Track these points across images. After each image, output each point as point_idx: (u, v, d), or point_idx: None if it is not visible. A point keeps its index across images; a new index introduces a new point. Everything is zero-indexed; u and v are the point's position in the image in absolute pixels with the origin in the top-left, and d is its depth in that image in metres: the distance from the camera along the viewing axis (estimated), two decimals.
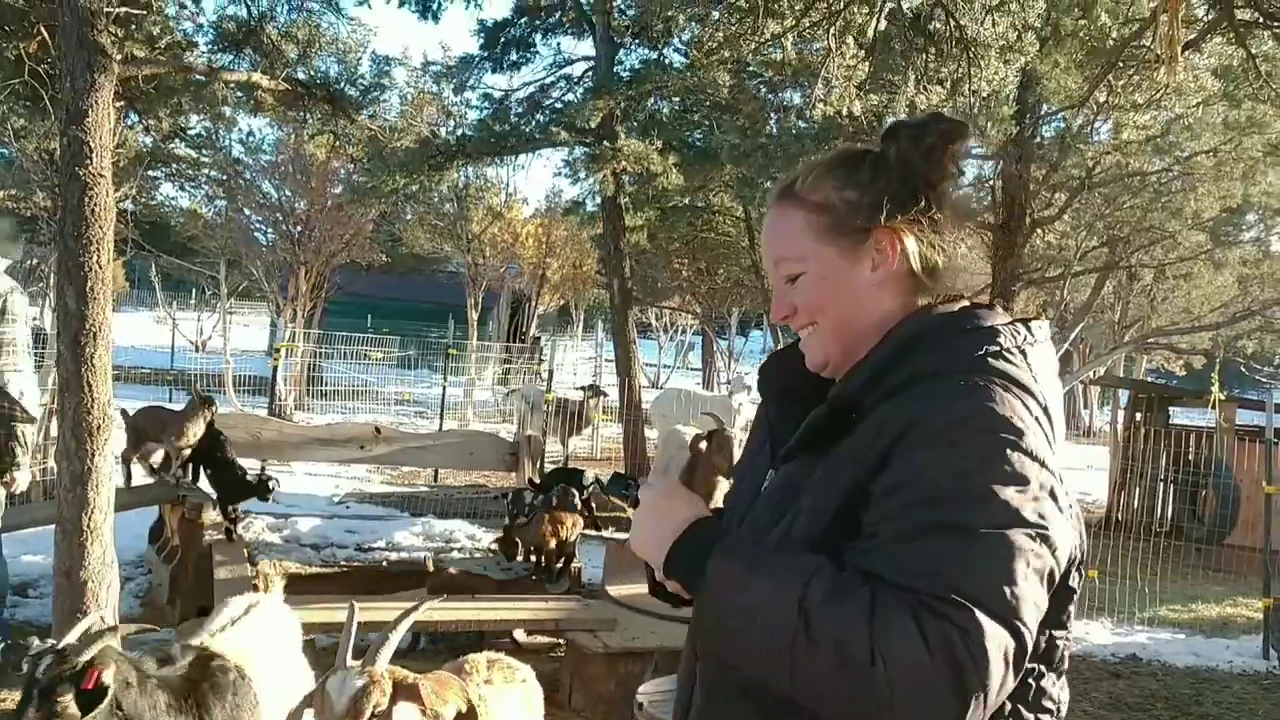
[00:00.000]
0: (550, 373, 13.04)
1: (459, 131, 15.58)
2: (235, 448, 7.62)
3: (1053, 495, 1.34)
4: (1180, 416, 14.89)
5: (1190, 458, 12.65)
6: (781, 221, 1.54)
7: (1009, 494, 1.29)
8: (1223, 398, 12.65)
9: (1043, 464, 1.34)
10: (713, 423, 7.47)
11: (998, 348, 1.43)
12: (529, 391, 14.43)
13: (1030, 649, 1.29)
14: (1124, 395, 14.37)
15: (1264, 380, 22.95)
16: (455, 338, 18.38)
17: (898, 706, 1.23)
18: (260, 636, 3.67)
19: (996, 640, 1.24)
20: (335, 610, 5.71)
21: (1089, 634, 7.98)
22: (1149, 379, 23.77)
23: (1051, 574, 1.32)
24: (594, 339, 27.82)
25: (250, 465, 8.22)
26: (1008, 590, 1.26)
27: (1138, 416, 13.35)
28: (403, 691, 2.61)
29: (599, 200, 15.06)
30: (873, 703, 1.24)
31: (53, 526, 4.30)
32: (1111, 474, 13.59)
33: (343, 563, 7.91)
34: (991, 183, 12.05)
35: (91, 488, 4.02)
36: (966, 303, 1.54)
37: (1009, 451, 1.32)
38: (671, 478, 1.52)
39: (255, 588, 5.98)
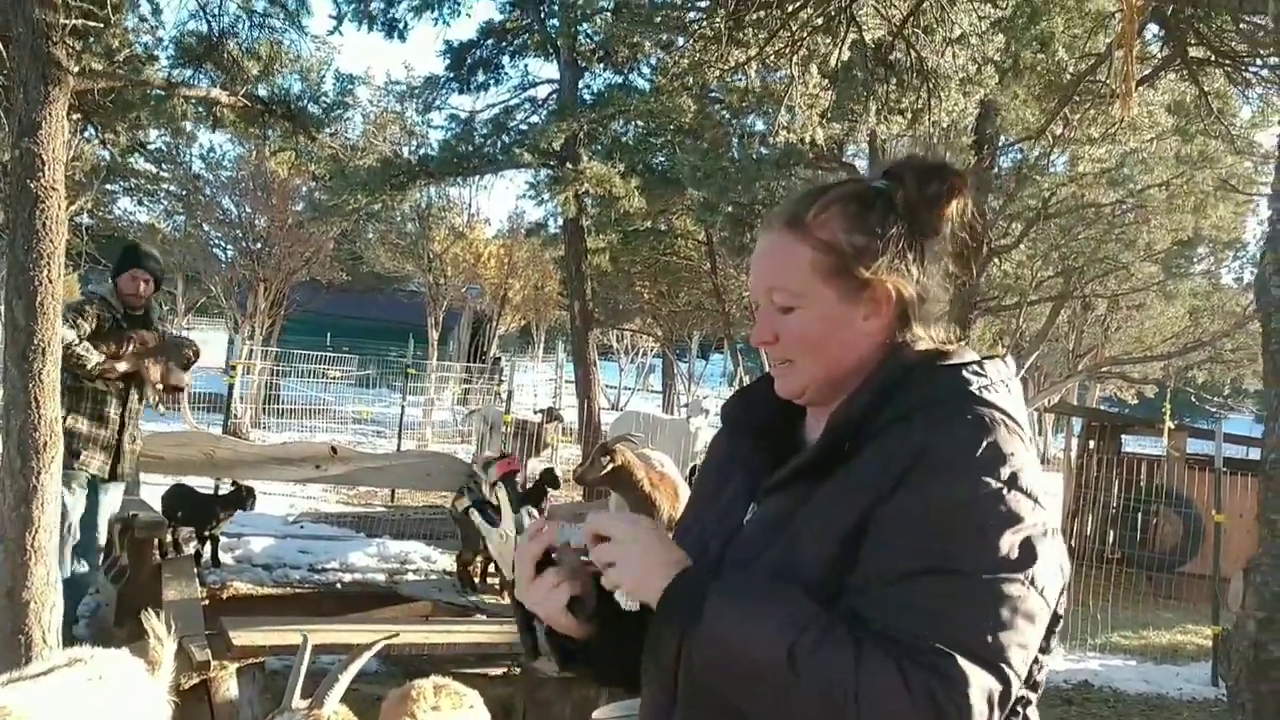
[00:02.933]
0: (509, 394, 12.99)
1: (422, 151, 15.57)
2: (190, 467, 7.54)
3: (1046, 531, 1.34)
4: (1132, 444, 15.10)
5: (1141, 485, 12.80)
6: (784, 251, 1.51)
7: (1002, 537, 1.30)
8: (1173, 426, 12.84)
9: (1037, 500, 1.35)
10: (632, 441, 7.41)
11: (989, 381, 1.45)
12: (488, 412, 14.36)
13: (1015, 690, 1.29)
14: (1078, 423, 14.53)
15: (1214, 410, 23.32)
16: (415, 357, 18.26)
17: None
18: (48, 706, 2.84)
19: (980, 687, 1.25)
20: (285, 633, 5.64)
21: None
22: (1102, 407, 24.07)
23: (1041, 613, 1.32)
24: (555, 360, 27.77)
25: (204, 484, 8.13)
26: (992, 636, 1.27)
27: (1091, 444, 13.49)
28: None
29: (561, 222, 15.10)
30: None
31: None
32: (1065, 501, 13.73)
33: (295, 583, 7.81)
34: None
35: (37, 506, 3.94)
36: (935, 341, 1.53)
37: (1006, 491, 1.33)
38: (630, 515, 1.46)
39: (205, 609, 5.90)
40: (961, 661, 1.25)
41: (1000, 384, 1.46)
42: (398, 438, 15.55)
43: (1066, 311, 16.59)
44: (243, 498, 7.50)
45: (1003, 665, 1.27)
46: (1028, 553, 1.31)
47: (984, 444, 1.36)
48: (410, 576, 8.47)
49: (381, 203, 14.53)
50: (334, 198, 14.28)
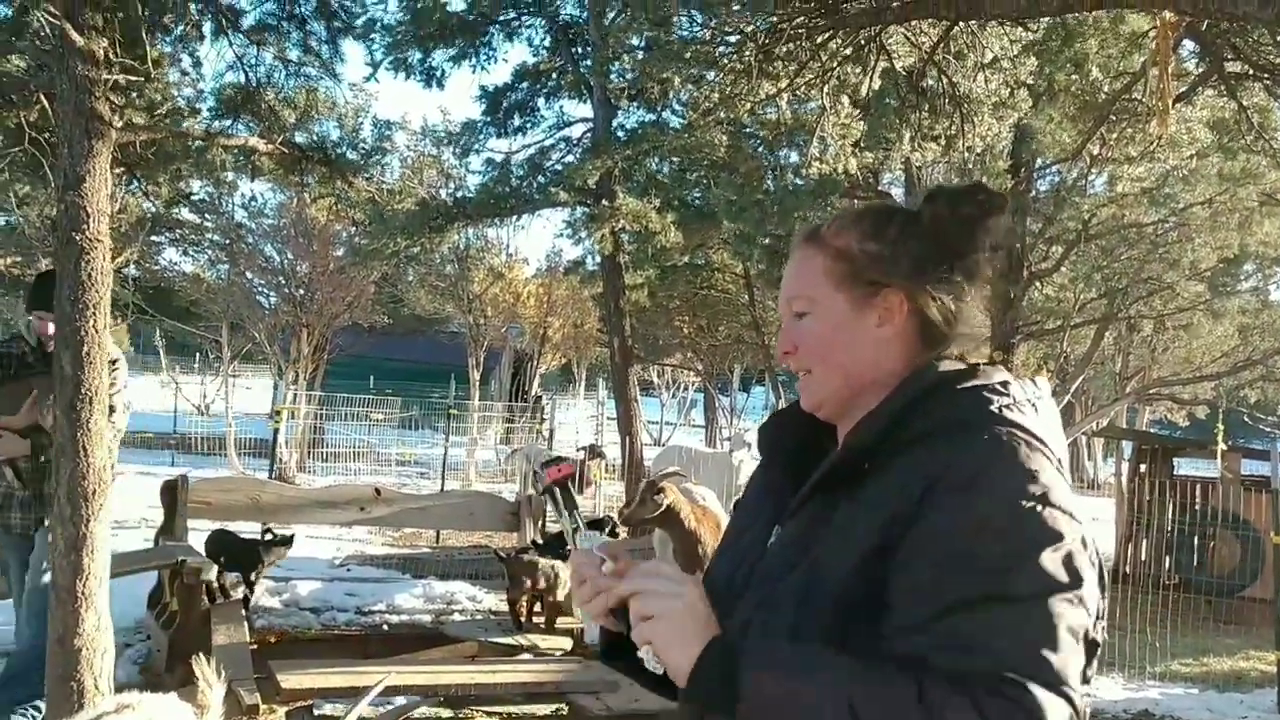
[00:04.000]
0: (551, 432, 13.02)
1: (459, 194, 15.74)
2: (236, 511, 7.60)
3: (1084, 544, 1.33)
4: (1185, 467, 14.82)
5: (1196, 508, 12.55)
6: (802, 262, 1.55)
7: (1045, 556, 1.29)
8: (1226, 447, 12.60)
9: (1071, 515, 1.33)
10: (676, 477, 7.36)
11: (1011, 400, 1.44)
12: (531, 451, 14.39)
13: (1081, 715, 1.28)
14: (1128, 447, 14.31)
15: (1268, 430, 22.88)
16: (457, 397, 18.36)
17: None
18: None
19: (1056, 714, 1.24)
20: (332, 675, 5.66)
21: (1099, 690, 7.85)
22: (1152, 430, 23.70)
23: (1087, 633, 1.31)
24: (596, 397, 27.80)
25: (250, 529, 8.19)
26: (1055, 659, 1.26)
27: (1142, 468, 13.27)
28: None
29: (599, 259, 15.16)
30: None
31: None
32: (1118, 527, 13.49)
33: (342, 626, 7.83)
34: None
35: (86, 553, 3.99)
36: (967, 363, 1.52)
37: (1040, 509, 1.32)
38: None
39: (253, 653, 5.93)
40: (1035, 689, 1.24)
41: (1025, 403, 1.45)
42: (441, 478, 15.60)
43: (1111, 333, 16.41)
44: (287, 539, 7.53)
45: (1068, 690, 1.26)
46: (1074, 570, 1.30)
47: (1007, 462, 1.35)
48: (456, 617, 8.46)
49: (420, 245, 14.66)
50: (374, 242, 14.43)
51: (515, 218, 15.57)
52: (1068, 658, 1.26)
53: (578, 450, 15.41)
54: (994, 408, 1.42)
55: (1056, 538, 1.30)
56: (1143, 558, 12.65)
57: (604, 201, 13.02)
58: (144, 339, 34.32)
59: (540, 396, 26.31)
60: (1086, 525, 1.35)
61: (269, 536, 7.45)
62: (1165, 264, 12.94)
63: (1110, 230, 12.32)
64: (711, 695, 1.35)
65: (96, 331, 4.06)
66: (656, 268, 15.76)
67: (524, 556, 6.79)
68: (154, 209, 13.58)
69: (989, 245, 1.50)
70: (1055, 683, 1.25)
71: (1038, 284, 12.43)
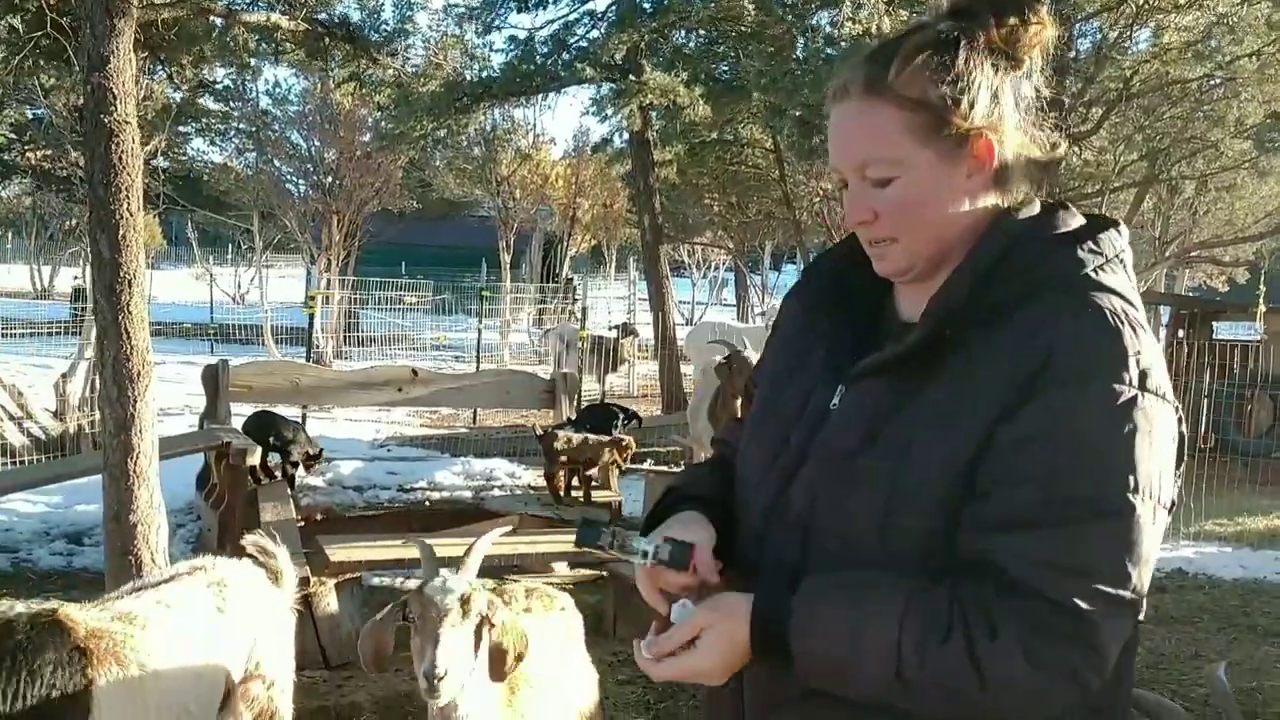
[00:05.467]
0: (584, 311, 13.04)
1: (484, 74, 15.49)
2: (276, 394, 7.72)
3: (1177, 432, 1.29)
4: (1224, 331, 14.67)
5: (1235, 371, 12.47)
6: (870, 118, 1.37)
7: (1139, 458, 1.24)
8: (1266, 309, 12.44)
9: (1165, 398, 1.28)
10: (726, 349, 7.40)
11: (1103, 258, 1.35)
12: (564, 331, 14.45)
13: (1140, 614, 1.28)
14: (1165, 312, 14.17)
15: None
16: (489, 281, 18.39)
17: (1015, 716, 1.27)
18: (171, 609, 2.97)
19: (1117, 634, 1.24)
20: (379, 549, 5.81)
21: None
22: (1191, 295, 23.42)
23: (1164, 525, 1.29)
24: (627, 277, 27.75)
25: (292, 412, 8.33)
26: (1134, 571, 1.24)
27: (1180, 333, 13.16)
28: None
29: (627, 137, 14.94)
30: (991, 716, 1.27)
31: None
32: None
33: (385, 503, 8.01)
34: None
35: (135, 433, 4.07)
36: (1039, 204, 1.42)
37: (1141, 398, 1.26)
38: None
39: (301, 530, 6.08)
40: (1104, 624, 1.23)
41: (1115, 260, 1.37)
42: (475, 361, 15.73)
43: (1151, 197, 16.09)
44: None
45: (1137, 601, 1.25)
46: (1162, 469, 1.27)
47: (1114, 351, 1.27)
48: (496, 492, 8.63)
49: (447, 128, 14.52)
50: (399, 125, 14.29)
51: (541, 96, 15.35)
52: (1145, 567, 1.24)
53: (611, 329, 15.47)
54: (1089, 270, 1.33)
55: (1149, 434, 1.25)
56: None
57: (631, 77, 12.78)
58: (176, 231, 34.48)
59: (572, 278, 26.31)
60: (1173, 405, 1.30)
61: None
62: (1209, 122, 12.55)
63: (1153, 89, 11.94)
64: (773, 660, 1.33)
65: (131, 214, 4.07)
66: (685, 144, 15.48)
67: (559, 432, 6.86)
68: (179, 96, 13.49)
69: (1040, 56, 1.39)
70: (1127, 594, 1.24)
71: (1076, 148, 12.13)
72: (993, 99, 1.36)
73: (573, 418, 8.23)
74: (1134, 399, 1.25)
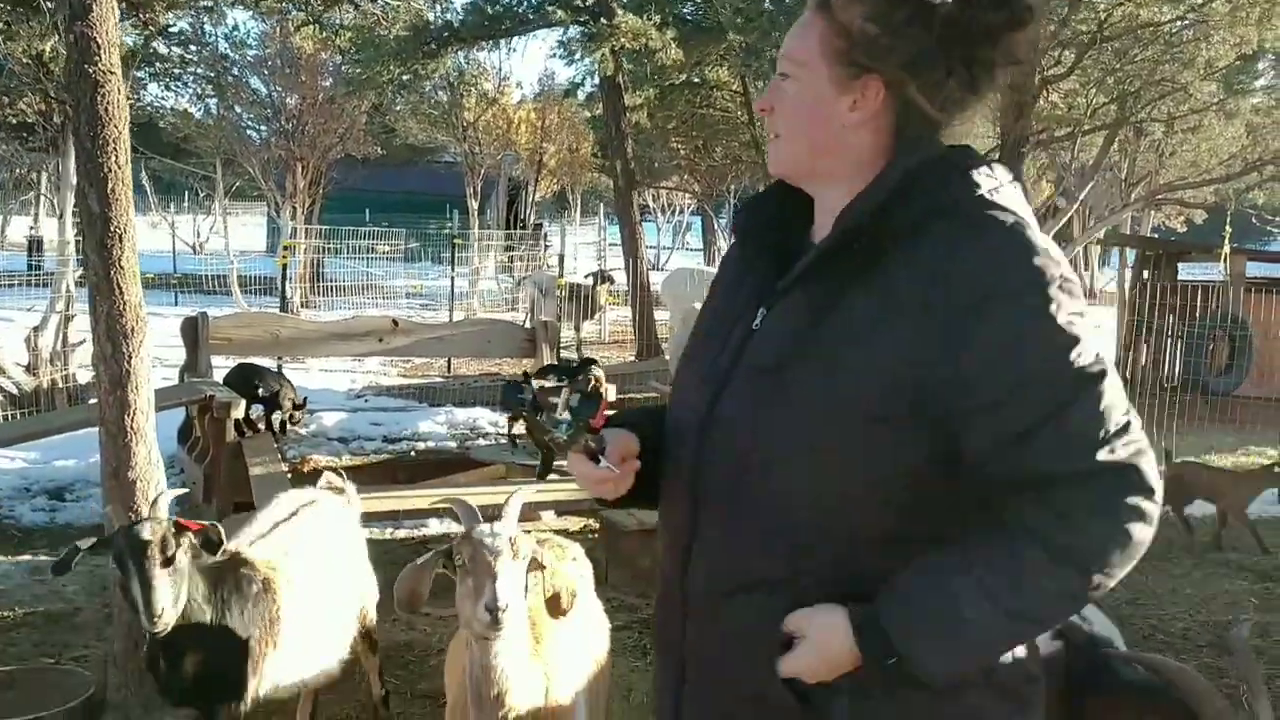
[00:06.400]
0: (560, 259, 12.99)
1: (449, 16, 15.23)
2: (256, 347, 7.66)
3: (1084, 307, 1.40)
4: (1186, 272, 14.84)
5: (1198, 313, 12.65)
6: (804, 25, 1.50)
7: (1083, 335, 1.35)
8: (1231, 250, 12.61)
9: (1074, 280, 1.39)
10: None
11: (997, 181, 1.45)
12: (540, 279, 14.39)
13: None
14: (1131, 254, 14.30)
15: (1276, 231, 22.78)
16: (457, 228, 18.23)
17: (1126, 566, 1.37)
18: (305, 541, 3.64)
19: (1150, 461, 1.34)
20: (370, 500, 5.80)
21: None
22: (1154, 236, 23.65)
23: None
24: (594, 223, 27.62)
25: (268, 363, 8.26)
26: (1124, 419, 1.34)
27: (1145, 274, 13.31)
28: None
29: (597, 81, 14.80)
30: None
31: (82, 431, 4.32)
32: (1119, 333, 13.62)
33: (371, 454, 8.00)
34: None
35: (131, 390, 4.02)
36: (941, 147, 1.51)
37: (1065, 291, 1.36)
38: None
39: (290, 481, 6.06)
40: (1135, 458, 1.33)
41: (1008, 184, 1.47)
42: (450, 310, 15.64)
43: (1119, 139, 16.17)
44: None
45: (1140, 429, 1.35)
46: (1100, 340, 1.38)
47: (1027, 257, 1.37)
48: (481, 442, 8.63)
49: (413, 72, 14.31)
50: (365, 70, 14.06)
51: (509, 40, 15.14)
52: (1125, 406, 1.35)
53: (586, 277, 15.41)
54: (984, 191, 1.43)
55: (1084, 316, 1.37)
56: (1144, 362, 12.82)
57: (602, 20, 12.62)
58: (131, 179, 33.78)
59: (541, 224, 26.15)
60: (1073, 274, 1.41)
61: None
62: (1180, 64, 12.61)
63: (1125, 31, 11.97)
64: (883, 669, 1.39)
65: (119, 167, 3.99)
66: (656, 87, 15.37)
67: (526, 383, 6.84)
68: (132, 41, 13.17)
69: (1003, 59, 1.45)
70: (1128, 434, 1.34)
71: (1046, 90, 12.15)
72: (908, 62, 1.44)
73: (554, 364, 8.21)
74: (1060, 291, 1.35)
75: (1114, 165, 18.37)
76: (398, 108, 24.65)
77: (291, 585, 3.39)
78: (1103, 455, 1.32)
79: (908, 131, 1.47)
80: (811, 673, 1.42)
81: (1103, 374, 1.34)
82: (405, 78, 15.11)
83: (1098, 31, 11.43)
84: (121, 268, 4.00)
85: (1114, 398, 1.34)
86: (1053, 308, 1.34)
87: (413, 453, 8.21)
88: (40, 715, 3.86)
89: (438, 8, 18.27)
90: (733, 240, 1.73)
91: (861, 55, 1.43)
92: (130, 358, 4.02)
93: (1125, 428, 1.34)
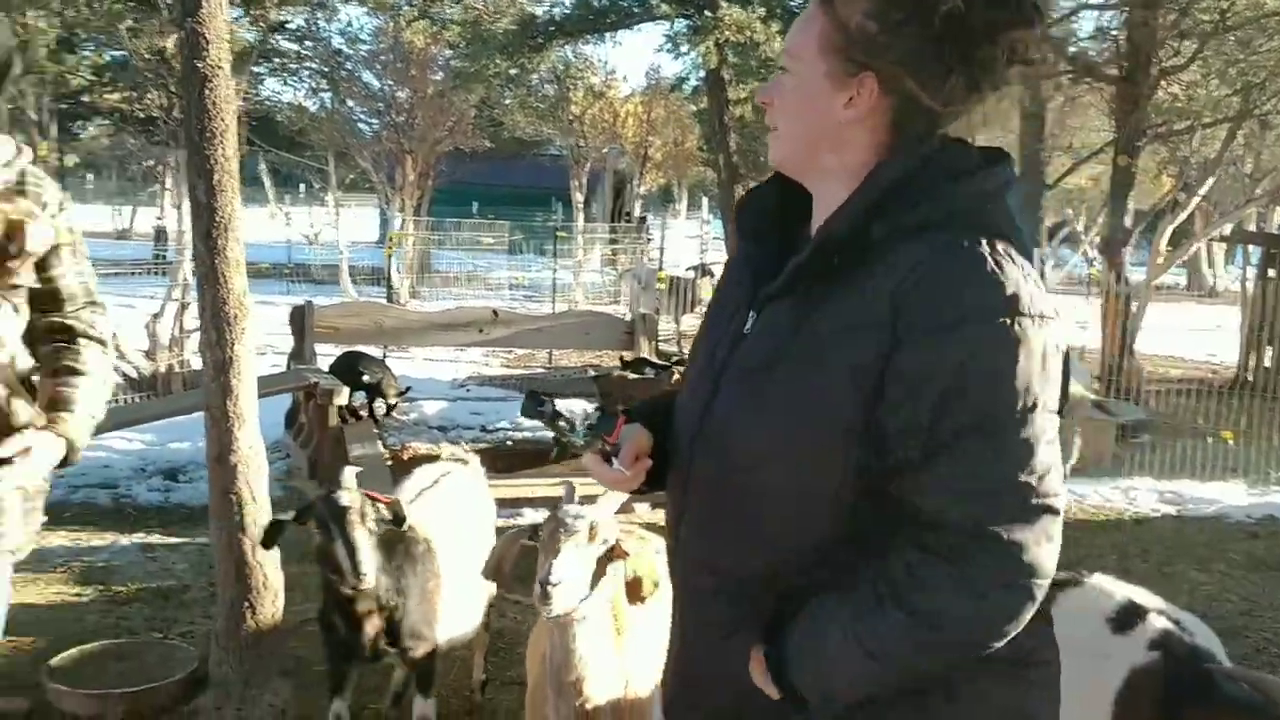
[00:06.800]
0: (661, 251, 13.00)
1: (556, 10, 15.36)
2: (361, 335, 7.83)
3: (1056, 347, 1.36)
4: None
5: None
6: (806, 19, 1.50)
7: (1019, 374, 1.32)
8: None
9: (1038, 316, 1.35)
10: None
11: (985, 195, 1.43)
12: (640, 272, 14.42)
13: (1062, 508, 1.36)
14: (1255, 251, 13.70)
15: None
16: (561, 220, 18.37)
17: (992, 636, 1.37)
18: (448, 507, 3.88)
19: (1040, 536, 1.33)
20: (515, 488, 5.95)
21: (1224, 496, 7.81)
22: None
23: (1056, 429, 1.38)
24: (699, 216, 27.55)
25: (374, 352, 8.44)
26: (1036, 476, 1.32)
27: (1270, 272, 12.76)
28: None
29: (702, 74, 14.76)
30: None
31: (196, 415, 4.47)
32: (1241, 333, 13.09)
33: (469, 443, 8.10)
34: (1116, 33, 11.41)
35: (234, 376, 4.14)
36: (936, 141, 1.48)
37: (1015, 326, 1.33)
38: None
39: (390, 465, 6.20)
40: (1023, 531, 1.32)
41: (996, 194, 1.45)
42: (551, 301, 15.78)
43: (1242, 133, 15.50)
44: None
45: (1048, 502, 1.33)
46: (1042, 382, 1.34)
47: (982, 286, 1.34)
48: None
49: (519, 66, 14.47)
50: (472, 64, 14.27)
51: (614, 33, 15.19)
52: (1050, 471, 1.33)
53: (688, 270, 15.40)
54: (967, 208, 1.41)
55: (1030, 352, 1.33)
56: (1266, 364, 12.31)
57: (707, 12, 12.58)
58: (250, 171, 34.89)
59: (645, 217, 26.21)
60: (1053, 320, 1.38)
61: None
62: None
63: (1249, 21, 11.47)
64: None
65: (226, 159, 4.11)
66: (760, 80, 15.27)
67: (613, 374, 6.91)
68: (252, 38, 13.58)
69: (1008, 58, 1.43)
70: (1043, 504, 1.32)
71: (1164, 82, 11.71)
72: (905, 60, 1.41)
73: (651, 358, 8.24)
74: (1004, 326, 1.32)
75: (1237, 160, 17.61)
76: (505, 101, 24.95)
77: (444, 547, 3.62)
78: (992, 524, 1.31)
79: (907, 129, 1.46)
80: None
81: (1026, 425, 1.32)
82: (512, 71, 15.30)
83: (1220, 21, 10.97)
84: (226, 257, 4.12)
85: (1030, 454, 1.32)
86: (993, 344, 1.33)
87: (509, 442, 8.31)
88: (147, 686, 4.02)
89: (545, 2, 18.49)
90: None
91: (859, 52, 1.43)
92: (233, 344, 4.14)
93: (1030, 492, 1.32)
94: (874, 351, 1.36)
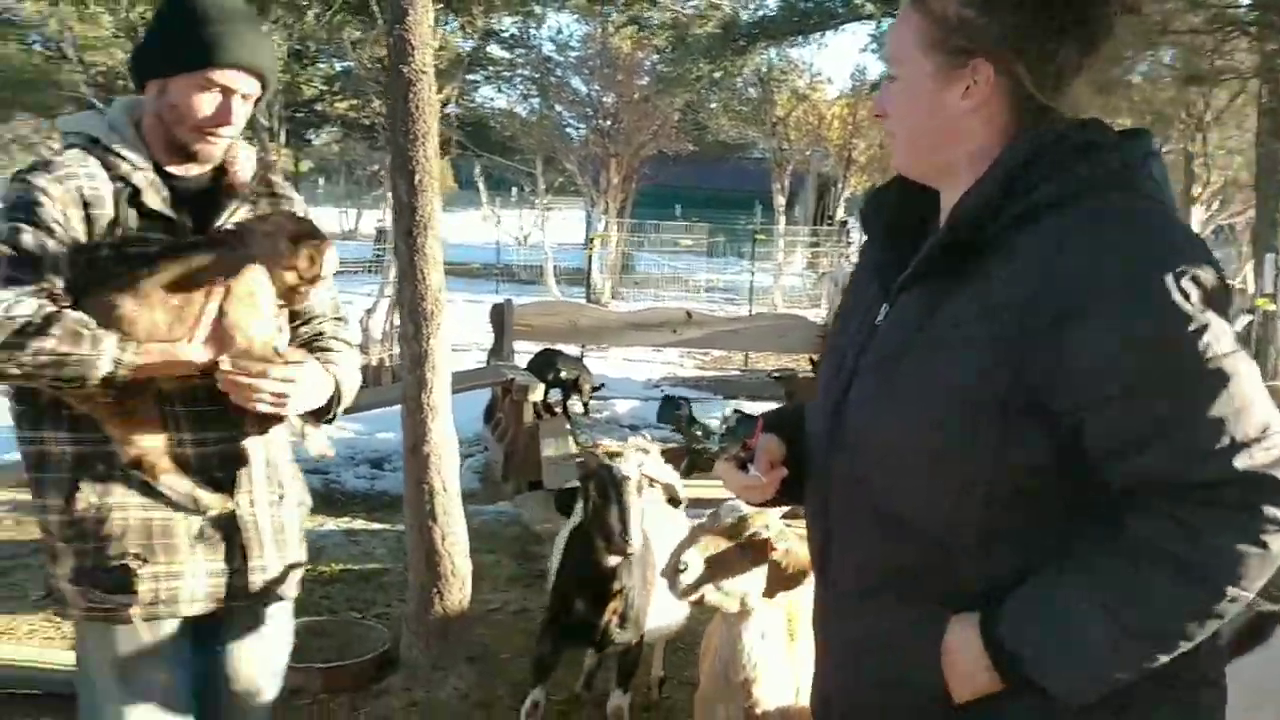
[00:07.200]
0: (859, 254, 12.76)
1: (760, 13, 15.32)
2: (556, 334, 8.01)
3: (1220, 284, 1.29)
4: None
5: None
6: (900, 21, 1.46)
7: (1202, 327, 1.25)
8: None
9: (1202, 267, 1.28)
10: None
11: (1131, 162, 1.37)
12: (839, 275, 14.21)
13: None
14: None
15: None
16: (762, 223, 18.30)
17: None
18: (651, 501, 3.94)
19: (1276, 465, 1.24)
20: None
21: None
22: None
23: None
24: None
25: (572, 350, 8.61)
26: (1262, 421, 1.25)
27: None
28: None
29: None
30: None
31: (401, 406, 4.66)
32: None
33: (660, 442, 8.16)
34: None
35: (429, 369, 4.29)
36: (1068, 122, 1.40)
37: (1183, 279, 1.26)
38: None
39: (580, 464, 6.29)
40: (1256, 465, 1.23)
41: (1143, 162, 1.37)
42: (749, 303, 15.74)
43: None
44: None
45: (1275, 433, 1.25)
46: (1221, 328, 1.26)
47: (1147, 249, 1.28)
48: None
49: (723, 69, 14.51)
50: (676, 68, 14.39)
51: (819, 34, 15.03)
52: (1260, 404, 1.26)
53: None
54: (1116, 174, 1.34)
55: (1205, 306, 1.26)
56: None
57: None
58: (465, 175, 36.28)
59: (846, 221, 25.83)
60: (1210, 260, 1.30)
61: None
62: None
63: None
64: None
65: (427, 160, 4.26)
66: None
67: (799, 375, 6.79)
68: (469, 46, 14.10)
69: (1119, 7, 1.36)
70: (1261, 437, 1.24)
71: None
72: (1014, 36, 1.36)
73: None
74: (1181, 283, 1.25)
75: None
76: (710, 105, 25.08)
77: (650, 536, 3.65)
78: (1237, 461, 1.23)
79: (1026, 108, 1.40)
80: (955, 694, 1.40)
81: (1232, 374, 1.25)
82: (715, 75, 15.36)
83: None
84: (425, 254, 4.27)
85: (1246, 399, 1.25)
86: (1172, 301, 1.25)
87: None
88: (343, 663, 4.21)
89: (750, 5, 18.48)
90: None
91: (962, 39, 1.39)
92: (429, 339, 4.29)
93: (1263, 432, 1.24)
94: (1021, 331, 1.30)
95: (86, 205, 2.07)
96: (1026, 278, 1.31)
